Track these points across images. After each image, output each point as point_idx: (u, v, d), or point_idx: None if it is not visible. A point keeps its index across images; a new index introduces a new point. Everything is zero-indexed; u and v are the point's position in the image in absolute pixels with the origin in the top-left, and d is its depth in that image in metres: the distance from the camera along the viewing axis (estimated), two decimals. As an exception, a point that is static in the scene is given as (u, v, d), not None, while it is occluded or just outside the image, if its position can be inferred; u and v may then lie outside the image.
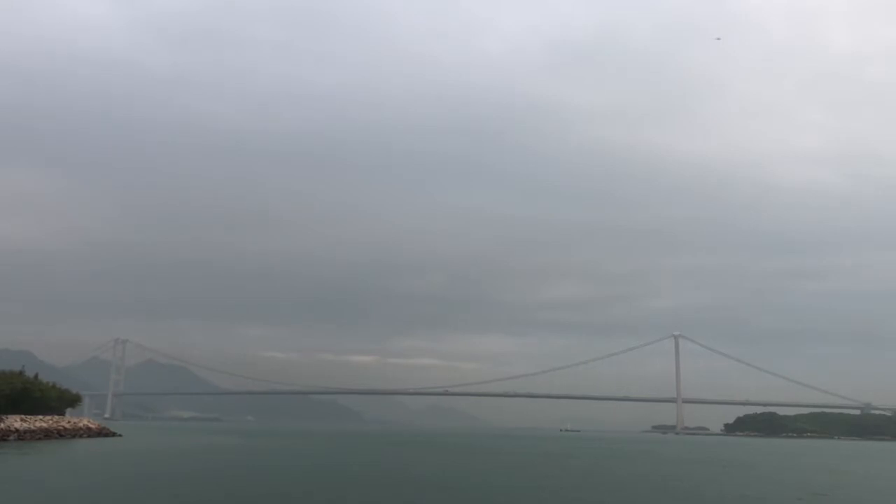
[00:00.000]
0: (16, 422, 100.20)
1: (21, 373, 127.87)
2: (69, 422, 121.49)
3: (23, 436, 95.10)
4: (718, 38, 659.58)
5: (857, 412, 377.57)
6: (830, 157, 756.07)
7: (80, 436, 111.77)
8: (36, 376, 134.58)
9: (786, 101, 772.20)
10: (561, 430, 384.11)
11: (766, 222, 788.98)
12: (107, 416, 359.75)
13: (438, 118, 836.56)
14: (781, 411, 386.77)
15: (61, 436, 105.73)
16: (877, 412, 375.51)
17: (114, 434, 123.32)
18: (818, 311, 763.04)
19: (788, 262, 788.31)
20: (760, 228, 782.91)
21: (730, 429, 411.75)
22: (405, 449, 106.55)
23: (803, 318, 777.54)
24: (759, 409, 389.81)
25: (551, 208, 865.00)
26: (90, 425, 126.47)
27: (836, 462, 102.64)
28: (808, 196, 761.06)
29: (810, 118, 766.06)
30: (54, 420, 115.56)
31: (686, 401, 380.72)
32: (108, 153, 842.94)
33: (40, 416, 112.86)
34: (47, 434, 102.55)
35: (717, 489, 47.88)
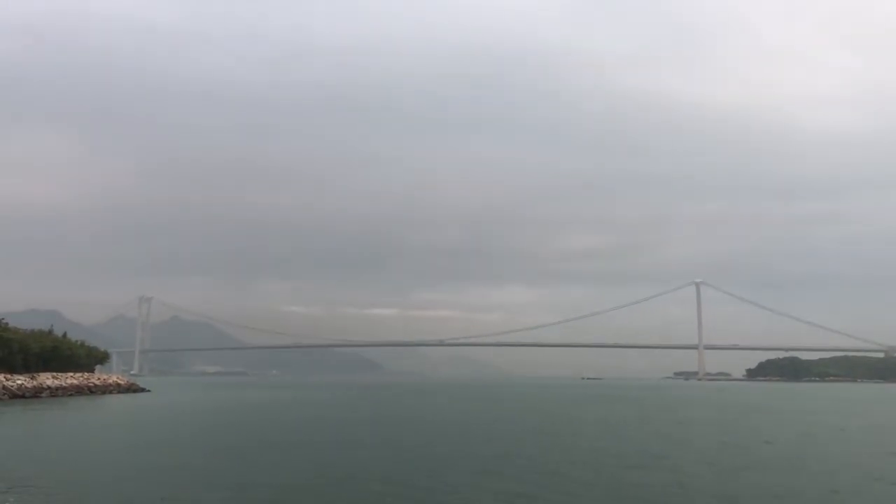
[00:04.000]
0: (48, 379, 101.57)
1: (50, 332, 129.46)
2: (99, 378, 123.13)
3: (55, 392, 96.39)
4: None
5: (881, 355, 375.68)
6: (852, 99, 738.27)
7: (110, 392, 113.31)
8: (64, 335, 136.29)
9: (805, 41, 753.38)
10: (582, 379, 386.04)
11: (787, 167, 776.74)
12: (134, 372, 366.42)
13: (454, 67, 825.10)
14: (804, 356, 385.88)
15: (92, 392, 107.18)
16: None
17: (143, 389, 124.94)
18: (841, 255, 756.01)
19: (810, 207, 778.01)
20: (781, 173, 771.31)
21: (752, 374, 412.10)
22: (425, 397, 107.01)
23: (825, 263, 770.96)
24: (782, 354, 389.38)
25: (569, 157, 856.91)
26: (119, 381, 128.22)
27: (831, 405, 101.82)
28: (830, 139, 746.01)
29: (831, 59, 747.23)
30: (85, 377, 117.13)
31: (707, 347, 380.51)
32: (122, 111, 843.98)
33: (71, 374, 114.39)
34: (78, 390, 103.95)
35: (657, 426, 47.25)
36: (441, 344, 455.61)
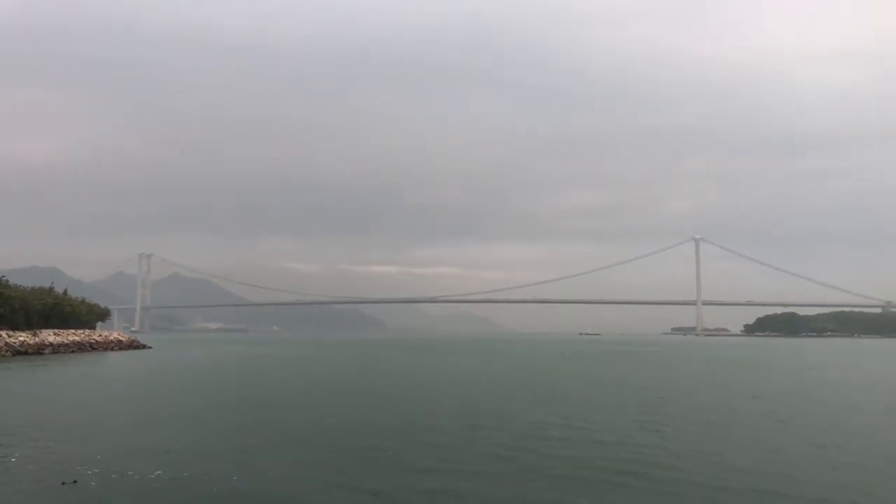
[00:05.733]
0: (50, 336, 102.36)
1: (51, 289, 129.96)
2: (100, 335, 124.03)
3: (57, 349, 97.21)
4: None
5: (879, 310, 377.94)
6: (857, 53, 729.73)
7: (112, 348, 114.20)
8: (65, 292, 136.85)
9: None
10: (580, 334, 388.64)
11: (790, 122, 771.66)
12: (135, 328, 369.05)
13: (452, 25, 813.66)
14: (802, 311, 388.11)
15: (93, 349, 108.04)
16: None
17: (144, 346, 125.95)
18: (840, 211, 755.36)
19: (811, 163, 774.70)
20: (784, 128, 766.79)
21: (750, 329, 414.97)
22: (426, 352, 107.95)
23: (825, 219, 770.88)
24: (780, 310, 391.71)
25: (569, 114, 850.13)
26: (120, 338, 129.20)
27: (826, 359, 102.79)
28: (834, 94, 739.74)
29: (835, 13, 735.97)
30: (86, 334, 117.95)
31: (706, 303, 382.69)
32: (117, 70, 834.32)
33: (72, 330, 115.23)
34: (80, 347, 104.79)
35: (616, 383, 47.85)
36: (441, 300, 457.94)
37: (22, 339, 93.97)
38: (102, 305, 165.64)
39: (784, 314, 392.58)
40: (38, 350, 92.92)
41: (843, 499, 16.17)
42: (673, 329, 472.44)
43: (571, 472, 18.75)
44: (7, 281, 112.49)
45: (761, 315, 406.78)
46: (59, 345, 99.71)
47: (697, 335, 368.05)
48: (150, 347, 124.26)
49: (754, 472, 18.84)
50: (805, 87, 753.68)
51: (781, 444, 23.63)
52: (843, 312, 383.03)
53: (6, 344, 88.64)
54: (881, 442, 24.88)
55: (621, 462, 20.02)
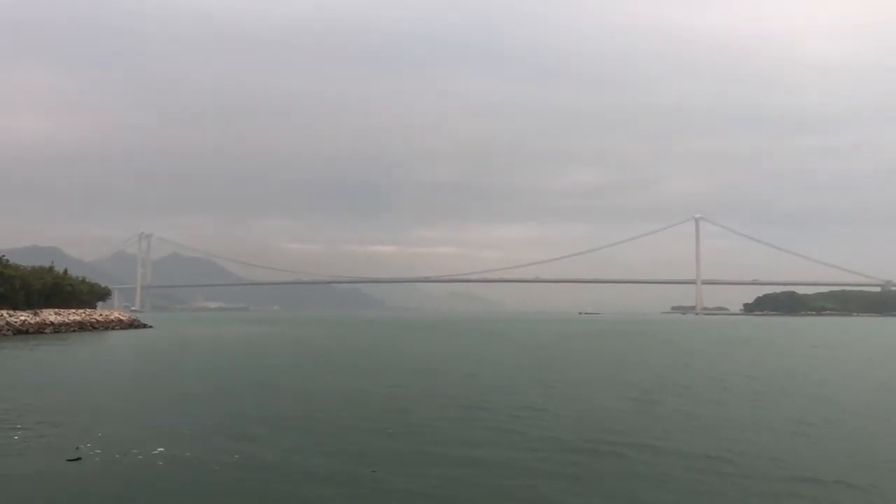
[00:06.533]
0: (51, 315, 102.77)
1: (51, 268, 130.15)
2: (101, 314, 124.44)
3: (58, 328, 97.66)
4: None
5: (877, 289, 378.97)
6: (856, 30, 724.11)
7: (113, 328, 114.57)
8: (65, 271, 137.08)
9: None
10: (580, 314, 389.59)
11: (790, 100, 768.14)
12: (135, 308, 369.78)
13: (451, 2, 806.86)
14: (801, 290, 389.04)
15: (94, 328, 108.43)
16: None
17: (145, 325, 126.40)
18: (840, 189, 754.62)
19: (811, 141, 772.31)
20: (784, 106, 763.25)
21: (749, 308, 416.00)
22: (425, 331, 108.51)
23: (825, 198, 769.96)
24: (779, 289, 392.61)
25: (566, 92, 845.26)
26: (121, 317, 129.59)
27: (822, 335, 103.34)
28: (834, 71, 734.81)
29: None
30: (87, 313, 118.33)
31: (706, 282, 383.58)
32: (116, 49, 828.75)
33: (73, 310, 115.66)
34: (81, 326, 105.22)
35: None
36: (440, 280, 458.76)
37: (23, 318, 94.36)
38: (103, 285, 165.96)
39: (783, 293, 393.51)
40: (40, 329, 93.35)
41: (830, 473, 16.43)
42: (673, 308, 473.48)
43: (566, 449, 19.02)
44: (7, 260, 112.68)
45: (760, 294, 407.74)
46: (60, 324, 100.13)
47: (697, 314, 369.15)
48: (150, 327, 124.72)
49: (744, 448, 19.12)
50: (806, 64, 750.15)
51: (772, 421, 23.92)
52: (842, 291, 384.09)
53: (7, 323, 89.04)
54: (871, 417, 25.16)
55: (611, 437, 20.30)
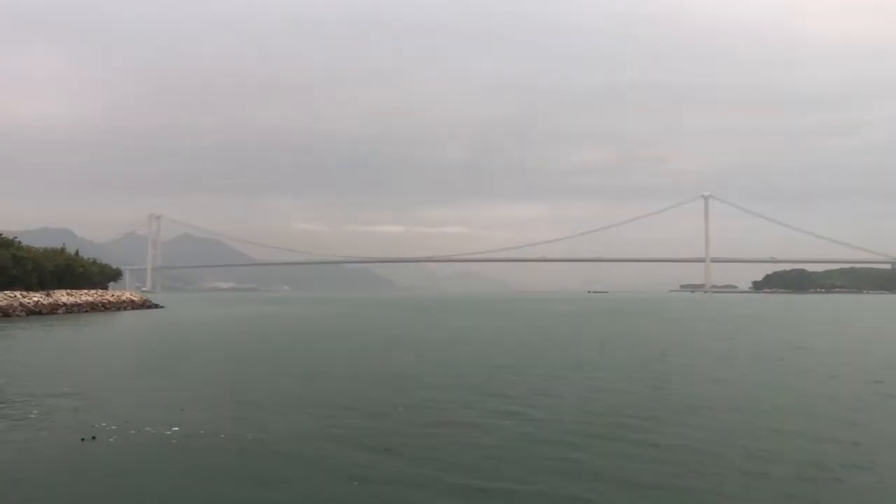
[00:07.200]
0: (63, 296, 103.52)
1: (62, 249, 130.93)
2: (113, 295, 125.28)
3: (70, 309, 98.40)
4: None
5: (888, 266, 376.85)
6: (864, 6, 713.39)
7: (125, 308, 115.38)
8: (77, 252, 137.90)
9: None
10: (588, 293, 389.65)
11: (798, 77, 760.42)
12: (146, 288, 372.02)
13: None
14: (811, 267, 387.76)
15: (106, 308, 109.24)
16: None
17: (156, 306, 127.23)
18: (850, 166, 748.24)
19: (820, 118, 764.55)
20: (792, 84, 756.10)
21: (758, 286, 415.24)
22: (433, 311, 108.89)
23: (835, 175, 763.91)
24: (788, 267, 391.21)
25: (576, 70, 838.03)
26: (133, 298, 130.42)
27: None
28: (842, 48, 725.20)
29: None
30: (99, 294, 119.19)
31: (714, 260, 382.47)
32: (127, 31, 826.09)
33: (85, 291, 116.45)
34: (93, 307, 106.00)
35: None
36: (448, 260, 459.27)
37: (36, 299, 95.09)
38: (114, 266, 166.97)
39: (793, 271, 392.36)
40: (52, 310, 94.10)
41: (834, 456, 16.42)
42: (681, 286, 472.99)
43: (572, 427, 19.07)
44: (19, 242, 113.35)
45: (770, 272, 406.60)
46: (73, 305, 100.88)
47: (706, 292, 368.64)
48: (162, 307, 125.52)
49: (742, 427, 19.13)
50: (812, 39, 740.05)
51: (776, 400, 23.90)
52: (851, 269, 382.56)
53: (20, 304, 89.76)
54: (874, 394, 25.08)
55: (613, 417, 20.34)
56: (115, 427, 18.73)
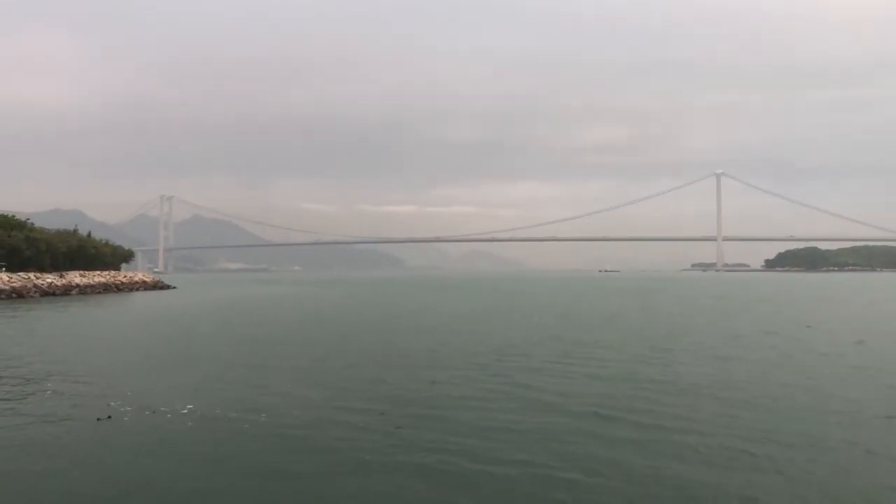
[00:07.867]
0: (76, 277, 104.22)
1: (75, 231, 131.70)
2: (125, 276, 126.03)
3: (84, 290, 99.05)
4: None
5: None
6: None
7: (137, 289, 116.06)
8: (89, 234, 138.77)
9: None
10: (600, 272, 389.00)
11: (813, 53, 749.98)
12: (158, 269, 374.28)
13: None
14: (824, 245, 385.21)
15: (119, 289, 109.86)
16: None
17: (168, 286, 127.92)
18: (864, 142, 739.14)
19: (834, 95, 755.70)
20: (807, 60, 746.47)
21: (770, 264, 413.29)
22: (443, 290, 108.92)
23: (848, 152, 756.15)
24: (801, 245, 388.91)
25: (588, 48, 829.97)
26: (145, 279, 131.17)
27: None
28: (856, 23, 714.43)
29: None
30: (111, 275, 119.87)
31: (727, 238, 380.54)
32: (138, 11, 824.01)
33: (98, 272, 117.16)
34: (106, 288, 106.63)
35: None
36: (459, 240, 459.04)
37: (49, 280, 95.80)
38: (126, 247, 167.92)
39: (805, 249, 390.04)
40: (66, 291, 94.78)
41: (835, 439, 16.35)
42: (693, 265, 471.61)
43: (567, 404, 19.06)
44: (32, 224, 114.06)
45: (782, 250, 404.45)
46: (86, 286, 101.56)
47: (718, 271, 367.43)
48: (174, 288, 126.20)
49: (748, 404, 19.08)
50: (828, 17, 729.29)
51: (781, 378, 23.81)
52: (865, 246, 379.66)
53: (35, 285, 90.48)
54: (882, 372, 24.98)
55: (614, 398, 20.32)
56: (129, 407, 18.87)
